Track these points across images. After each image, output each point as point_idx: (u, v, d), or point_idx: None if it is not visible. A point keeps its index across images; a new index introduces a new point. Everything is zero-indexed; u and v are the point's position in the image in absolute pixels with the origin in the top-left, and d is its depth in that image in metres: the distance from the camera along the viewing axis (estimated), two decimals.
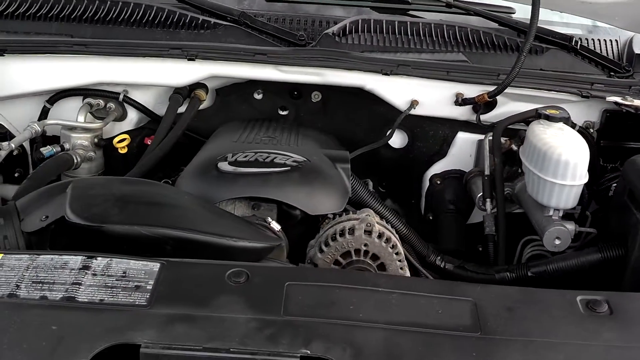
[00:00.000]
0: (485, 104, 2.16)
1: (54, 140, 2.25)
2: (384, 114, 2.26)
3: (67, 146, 2.22)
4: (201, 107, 2.38)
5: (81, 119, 2.24)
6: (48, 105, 2.29)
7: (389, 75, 2.12)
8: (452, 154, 2.30)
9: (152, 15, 2.28)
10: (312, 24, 2.30)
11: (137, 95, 2.32)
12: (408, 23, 2.30)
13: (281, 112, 2.44)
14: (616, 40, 2.40)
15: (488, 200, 2.06)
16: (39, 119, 2.26)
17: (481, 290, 1.17)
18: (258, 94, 2.42)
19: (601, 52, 2.38)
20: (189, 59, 2.12)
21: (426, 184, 2.35)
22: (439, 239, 2.23)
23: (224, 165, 1.70)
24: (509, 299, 1.16)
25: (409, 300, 1.13)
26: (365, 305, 1.11)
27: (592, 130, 2.20)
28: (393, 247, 1.64)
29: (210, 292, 1.12)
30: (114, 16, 2.27)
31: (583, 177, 1.81)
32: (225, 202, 1.69)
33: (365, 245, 1.62)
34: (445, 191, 2.29)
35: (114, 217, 1.40)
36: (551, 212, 1.87)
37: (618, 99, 2.10)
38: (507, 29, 2.33)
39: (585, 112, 2.19)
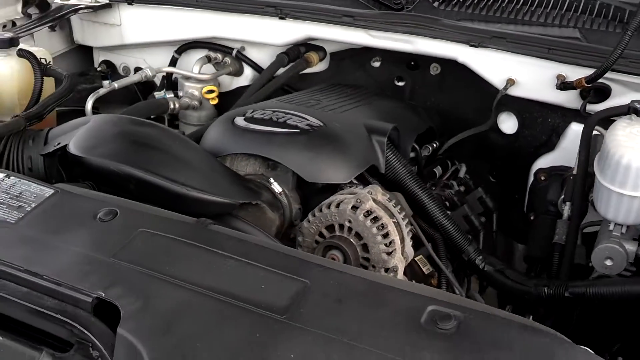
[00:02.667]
0: (596, 92, 1.82)
1: None
2: (501, 97, 2.01)
3: (180, 93, 2.37)
4: (316, 70, 2.37)
5: (196, 69, 2.37)
6: (176, 55, 2.47)
7: (477, 47, 1.89)
8: (562, 147, 1.99)
9: None
10: None
11: (252, 53, 2.38)
12: None
13: (397, 83, 2.33)
14: None
15: (568, 204, 1.74)
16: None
17: (326, 275, 1.01)
18: (375, 62, 2.34)
19: None
20: (280, 18, 2.11)
21: (531, 178, 2.06)
22: (529, 242, 1.95)
23: (239, 120, 1.68)
24: (350, 291, 0.98)
25: (243, 269, 1.03)
26: (194, 265, 1.04)
27: None
28: (380, 228, 1.48)
29: (72, 224, 1.14)
30: None
31: None
32: (241, 157, 1.67)
33: (349, 221, 1.49)
34: (548, 189, 1.98)
35: (97, 150, 1.49)
36: (611, 227, 1.52)
37: None
38: None
39: None
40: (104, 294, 0.98)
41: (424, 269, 1.69)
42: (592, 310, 1.58)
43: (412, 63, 2.26)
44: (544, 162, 2.02)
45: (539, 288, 1.59)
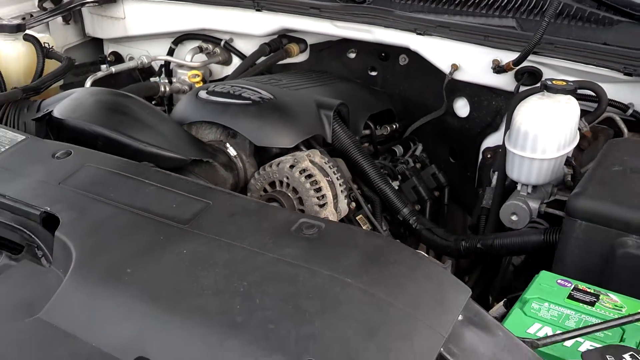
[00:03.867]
0: (529, 75, 2.02)
1: None
2: (455, 84, 2.22)
3: (174, 79, 2.65)
4: (297, 60, 2.62)
5: (188, 58, 2.65)
6: (173, 46, 2.75)
7: (423, 35, 2.12)
8: (504, 127, 2.18)
9: None
10: None
11: (239, 44, 2.65)
12: None
13: (370, 73, 2.55)
14: None
15: (496, 173, 1.95)
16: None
17: (226, 199, 1.26)
18: (351, 53, 2.56)
19: None
20: (257, 10, 2.37)
21: (480, 156, 2.26)
22: (473, 213, 2.15)
23: (202, 93, 1.93)
24: (242, 209, 1.22)
25: (160, 193, 1.27)
26: (122, 189, 1.29)
27: None
28: (313, 184, 1.72)
29: (34, 160, 1.40)
30: None
31: (548, 152, 1.65)
32: (204, 126, 1.93)
33: (287, 178, 1.73)
34: (492, 166, 2.19)
35: (74, 113, 1.76)
36: (519, 187, 1.73)
37: None
38: None
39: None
40: (49, 209, 1.23)
41: (363, 227, 1.91)
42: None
43: (383, 54, 2.48)
44: (490, 141, 2.22)
45: (458, 242, 1.80)
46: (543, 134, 1.64)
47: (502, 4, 2.13)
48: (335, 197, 1.77)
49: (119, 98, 1.86)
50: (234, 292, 1.03)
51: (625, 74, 1.85)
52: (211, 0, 2.47)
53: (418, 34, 2.11)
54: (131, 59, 2.69)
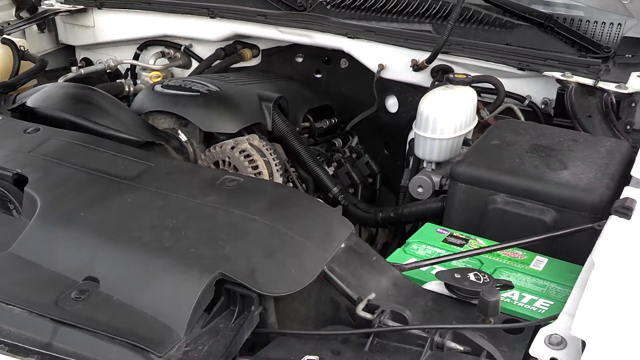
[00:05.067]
0: (443, 72, 2.33)
1: None
2: (385, 82, 2.52)
3: (138, 81, 2.93)
4: (250, 64, 2.91)
5: (151, 62, 2.94)
6: (138, 51, 3.03)
7: (352, 38, 2.43)
8: None
9: None
10: None
11: (199, 50, 2.93)
12: None
13: (316, 75, 2.85)
14: (620, 23, 2.32)
15: (412, 157, 2.25)
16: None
17: (166, 162, 1.56)
18: (298, 57, 2.86)
19: (597, 34, 2.33)
20: (211, 17, 2.67)
21: (407, 147, 2.56)
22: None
23: (158, 87, 2.23)
24: (178, 169, 1.52)
25: (110, 158, 1.56)
26: (81, 155, 1.58)
27: (544, 107, 2.23)
28: (251, 162, 2.01)
29: (8, 135, 1.69)
30: None
31: (446, 133, 1.95)
32: (160, 115, 2.21)
33: (228, 158, 2.02)
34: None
35: (45, 103, 2.05)
36: (425, 164, 2.03)
37: (557, 75, 2.12)
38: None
39: (544, 88, 2.23)
40: (19, 171, 1.52)
41: None
42: None
43: (327, 58, 2.77)
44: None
45: (376, 214, 2.10)
46: (441, 117, 1.94)
47: (421, 12, 2.44)
48: (271, 174, 2.06)
49: (84, 90, 2.15)
50: (165, 227, 1.32)
51: (519, 69, 2.16)
52: (171, 8, 2.76)
53: (349, 37, 2.41)
54: (100, 63, 2.96)
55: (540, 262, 1.47)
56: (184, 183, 1.46)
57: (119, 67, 2.97)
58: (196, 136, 2.19)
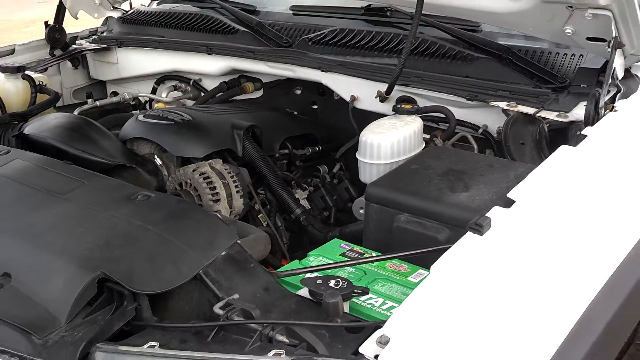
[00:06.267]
0: (404, 102, 2.46)
1: None
2: (362, 113, 2.68)
3: None
4: (253, 96, 3.15)
5: (164, 95, 3.23)
6: (155, 85, 3.33)
7: (326, 71, 2.61)
8: None
9: (205, 22, 3.10)
10: (308, 32, 2.85)
11: (207, 83, 3.20)
12: (370, 32, 2.69)
13: (313, 107, 3.05)
14: (581, 55, 2.38)
15: None
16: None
17: (98, 179, 1.78)
18: (297, 90, 3.07)
19: (557, 64, 2.39)
20: (209, 54, 2.93)
21: None
22: None
23: (140, 117, 2.48)
24: (106, 186, 1.74)
25: (55, 176, 1.80)
26: (32, 174, 1.83)
27: (498, 135, 2.32)
28: (209, 183, 2.21)
29: None
30: (185, 23, 3.18)
31: (382, 158, 2.10)
32: (141, 142, 2.46)
33: (189, 179, 2.24)
34: None
35: (39, 131, 2.34)
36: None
37: (503, 105, 2.23)
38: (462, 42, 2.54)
39: (500, 118, 2.33)
40: None
41: (263, 223, 2.38)
42: None
43: (321, 91, 2.97)
44: None
45: (327, 233, 2.25)
46: (377, 143, 2.09)
47: (390, 47, 2.59)
48: (229, 195, 2.25)
49: (75, 120, 2.44)
50: (73, 234, 1.54)
51: (468, 99, 2.27)
52: (176, 46, 3.04)
53: (322, 71, 2.60)
54: (114, 96, 3.27)
55: (420, 275, 1.59)
56: (105, 198, 1.69)
57: (140, 98, 3.26)
58: (173, 160, 2.42)
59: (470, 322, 1.24)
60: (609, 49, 2.02)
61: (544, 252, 1.44)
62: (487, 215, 1.44)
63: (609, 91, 2.13)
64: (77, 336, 1.33)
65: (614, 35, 2.00)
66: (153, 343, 1.27)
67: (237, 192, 2.27)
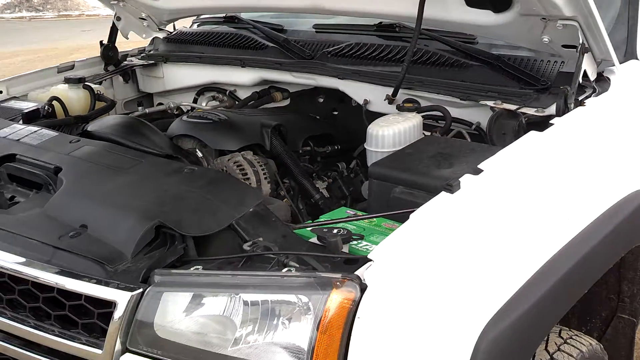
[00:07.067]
0: (407, 102, 2.86)
1: None
2: (374, 115, 3.07)
3: None
4: (282, 104, 3.59)
5: (203, 104, 3.69)
6: (196, 96, 3.80)
7: (342, 79, 3.03)
8: None
9: (239, 40, 3.56)
10: (327, 46, 3.28)
11: (241, 94, 3.65)
12: (381, 45, 3.11)
13: (334, 112, 3.47)
14: (563, 62, 2.75)
15: None
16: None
17: (153, 159, 2.22)
18: (320, 98, 3.50)
19: (541, 70, 2.77)
20: (242, 66, 3.38)
21: None
22: None
23: (184, 117, 2.93)
24: (159, 163, 2.18)
25: (117, 157, 2.25)
26: (99, 155, 2.27)
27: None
28: (241, 170, 2.64)
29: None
30: (221, 41, 3.64)
31: (386, 147, 2.49)
32: (185, 138, 2.90)
33: (225, 167, 2.67)
34: None
35: (99, 128, 2.81)
36: None
37: (490, 103, 2.62)
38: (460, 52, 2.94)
39: (489, 115, 2.71)
40: (58, 165, 2.23)
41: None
42: None
43: (341, 99, 3.39)
44: None
45: None
46: (381, 134, 2.49)
47: (397, 58, 3.00)
48: (258, 181, 2.67)
49: (130, 119, 2.90)
50: (134, 195, 1.98)
51: (461, 100, 2.67)
52: (215, 61, 3.50)
53: (339, 78, 3.02)
54: (160, 105, 3.74)
55: None
56: (159, 171, 2.12)
57: (182, 107, 3.72)
58: (212, 154, 2.86)
59: (437, 252, 1.63)
60: (578, 54, 2.40)
61: (502, 207, 1.83)
62: (458, 179, 1.83)
63: (585, 91, 2.51)
64: (140, 266, 1.75)
65: (580, 42, 2.38)
66: (197, 266, 1.69)
67: (265, 178, 2.69)
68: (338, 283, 1.52)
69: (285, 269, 1.61)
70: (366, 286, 1.52)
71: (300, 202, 2.84)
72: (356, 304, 1.50)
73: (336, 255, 1.72)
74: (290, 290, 1.55)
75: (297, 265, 1.67)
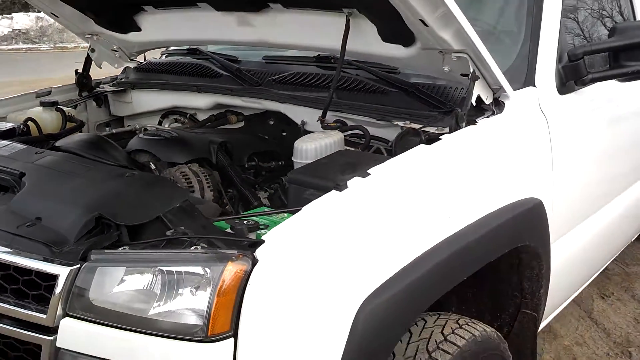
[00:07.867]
0: (332, 124, 3.27)
1: None
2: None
3: None
4: (236, 126, 4.01)
5: (166, 126, 4.11)
6: (161, 119, 4.22)
7: (282, 103, 3.46)
8: None
9: (198, 69, 4.00)
10: (273, 74, 3.71)
11: (200, 117, 4.08)
12: (318, 74, 3.54)
13: (283, 134, 3.89)
14: (463, 88, 3.15)
15: None
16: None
17: (102, 166, 2.62)
18: (270, 121, 3.92)
19: (450, 96, 3.19)
20: (199, 92, 3.81)
21: None
22: None
23: (141, 134, 3.35)
24: (107, 169, 2.58)
25: (72, 164, 2.65)
26: (57, 164, 2.68)
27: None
28: (186, 179, 3.05)
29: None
30: (183, 69, 4.07)
31: (309, 158, 2.91)
32: (142, 153, 3.31)
33: (173, 176, 3.07)
34: None
35: (65, 143, 3.22)
36: None
37: (401, 123, 3.04)
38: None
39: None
40: (22, 171, 2.64)
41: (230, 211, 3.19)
42: None
43: (288, 122, 3.81)
44: None
45: None
46: (304, 147, 2.90)
47: (330, 85, 3.43)
48: (202, 189, 3.08)
49: (92, 136, 3.32)
50: (82, 192, 2.37)
51: (378, 120, 3.09)
52: (175, 87, 3.94)
53: (280, 102, 3.45)
54: (128, 126, 4.16)
55: None
56: (105, 175, 2.53)
57: (147, 128, 4.12)
58: (165, 166, 3.26)
59: (321, 236, 2.03)
60: (469, 81, 2.83)
61: (383, 203, 2.23)
62: (346, 181, 2.23)
63: (485, 112, 2.93)
64: (80, 248, 2.14)
65: (471, 71, 2.81)
66: (124, 247, 2.09)
67: (208, 186, 3.10)
68: (234, 257, 1.91)
69: (193, 247, 2.00)
70: (257, 260, 1.91)
71: (241, 208, 3.23)
72: (248, 274, 1.89)
73: (241, 239, 2.12)
74: (196, 263, 1.95)
75: (206, 246, 2.06)
